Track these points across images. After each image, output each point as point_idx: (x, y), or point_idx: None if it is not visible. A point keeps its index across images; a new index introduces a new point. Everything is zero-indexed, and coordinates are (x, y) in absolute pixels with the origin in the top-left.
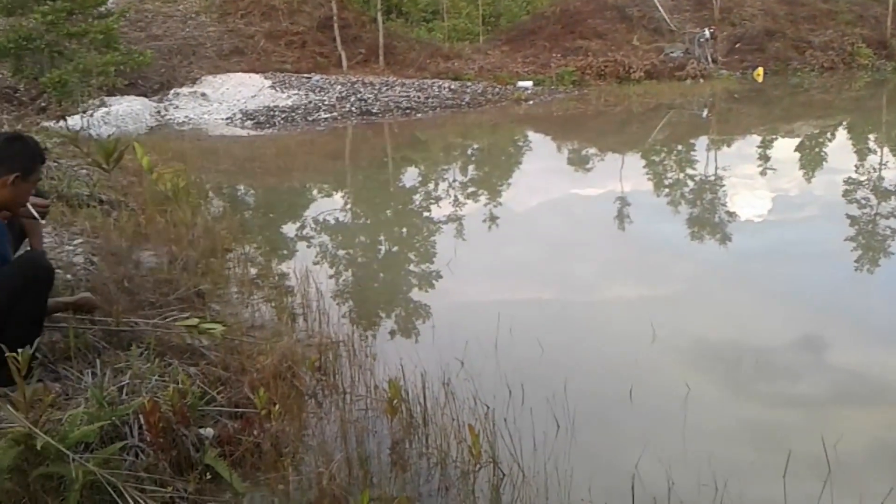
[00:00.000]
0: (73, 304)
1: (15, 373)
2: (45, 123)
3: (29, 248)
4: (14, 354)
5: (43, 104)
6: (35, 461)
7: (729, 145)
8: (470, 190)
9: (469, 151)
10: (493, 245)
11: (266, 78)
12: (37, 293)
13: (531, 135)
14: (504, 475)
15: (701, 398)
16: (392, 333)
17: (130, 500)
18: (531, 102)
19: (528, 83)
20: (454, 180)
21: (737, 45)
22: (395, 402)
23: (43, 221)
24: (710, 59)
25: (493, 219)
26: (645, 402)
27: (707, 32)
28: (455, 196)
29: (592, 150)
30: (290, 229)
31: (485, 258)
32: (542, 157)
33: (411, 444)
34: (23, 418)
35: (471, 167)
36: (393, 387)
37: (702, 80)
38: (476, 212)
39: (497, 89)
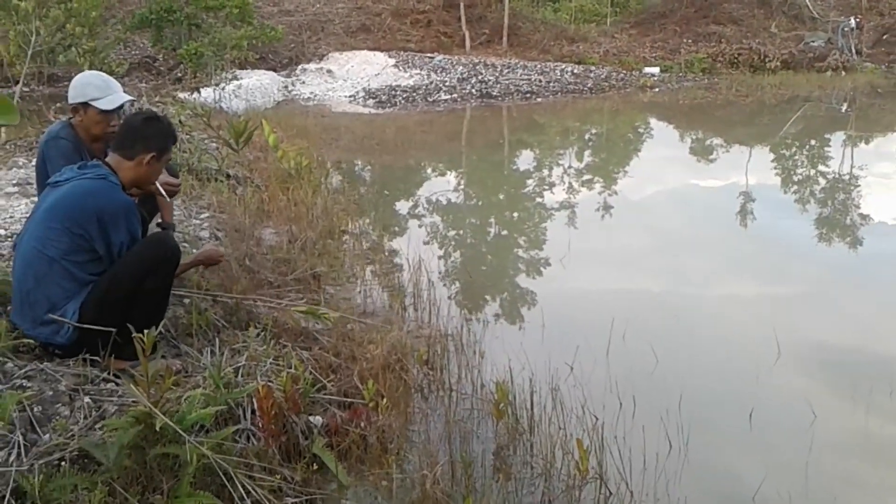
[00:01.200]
0: (200, 262)
1: (140, 353)
2: (180, 94)
3: (159, 222)
4: (140, 335)
5: (179, 75)
6: (153, 440)
7: (867, 143)
8: (585, 176)
9: (587, 137)
10: (607, 235)
11: (390, 56)
12: (164, 273)
13: (653, 122)
14: (611, 494)
15: (827, 423)
16: (500, 330)
17: (240, 487)
18: (657, 90)
19: (655, 69)
20: (569, 166)
21: (884, 37)
22: (502, 405)
23: (169, 200)
24: (853, 51)
25: (607, 207)
26: (766, 426)
27: (853, 21)
28: (569, 182)
29: (718, 141)
30: (404, 208)
31: (598, 249)
32: (663, 145)
33: (516, 451)
34: (144, 398)
35: (587, 153)
36: (500, 389)
37: (843, 73)
38: (590, 199)
39: (622, 75)
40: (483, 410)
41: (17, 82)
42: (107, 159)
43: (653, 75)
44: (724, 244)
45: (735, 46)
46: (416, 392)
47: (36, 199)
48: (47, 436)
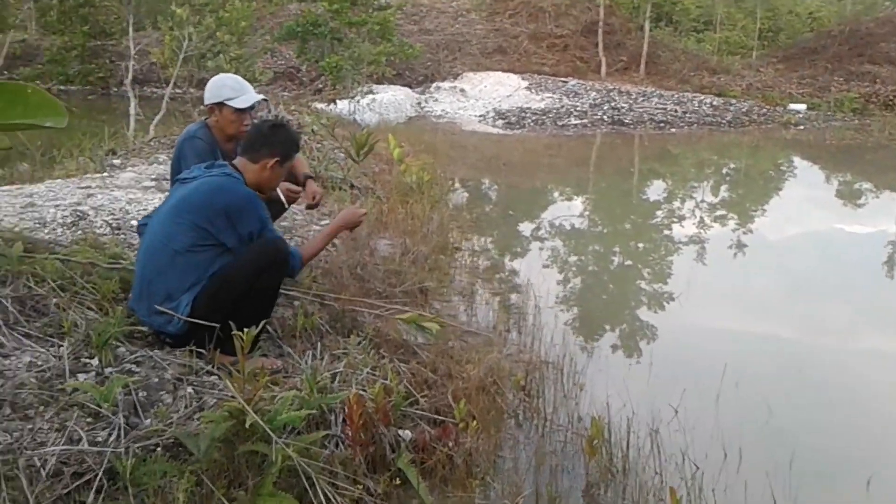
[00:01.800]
0: (341, 227)
1: (238, 350)
2: (318, 105)
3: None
4: (240, 333)
5: (319, 86)
6: (244, 436)
7: None
8: (719, 212)
9: (724, 171)
10: (736, 275)
11: (523, 79)
12: (276, 274)
13: (797, 161)
14: None
15: None
16: (604, 363)
17: (321, 493)
18: (801, 127)
19: (801, 106)
20: (702, 200)
21: None
22: (596, 442)
23: (287, 207)
24: None
25: (740, 245)
26: (886, 496)
27: None
28: (701, 216)
29: (867, 185)
30: (524, 229)
31: (724, 288)
32: (806, 185)
33: (606, 492)
34: (239, 394)
35: (724, 187)
36: (595, 426)
37: None
38: (723, 235)
39: (764, 110)
40: (576, 445)
41: (169, 83)
42: (234, 161)
43: (798, 112)
44: (866, 295)
45: (890, 88)
46: (510, 417)
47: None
48: (148, 421)
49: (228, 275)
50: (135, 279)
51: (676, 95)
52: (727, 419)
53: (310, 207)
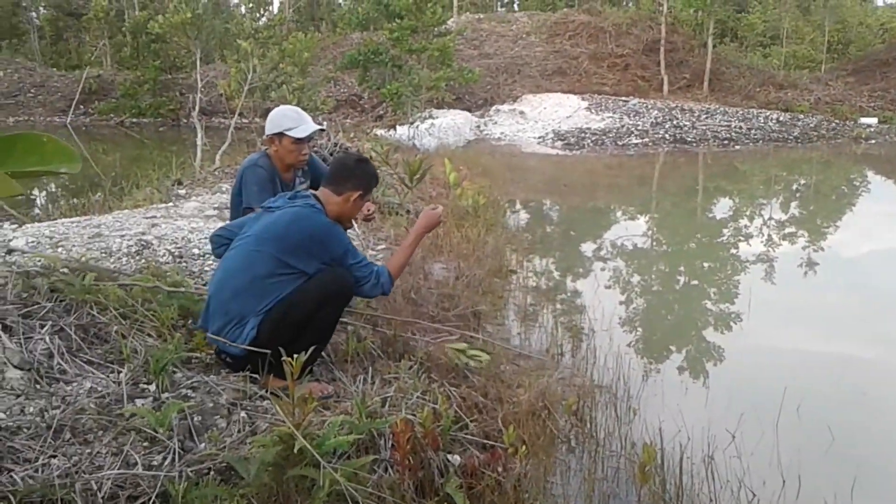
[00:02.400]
0: (423, 231)
1: (288, 376)
2: (378, 131)
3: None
4: (289, 359)
5: (381, 112)
6: (293, 460)
7: None
8: (789, 229)
9: (794, 187)
10: (805, 294)
11: (583, 99)
12: (338, 305)
13: (869, 175)
14: None
15: None
16: (659, 387)
17: None
18: (873, 142)
19: (872, 120)
20: (770, 217)
21: None
22: (648, 468)
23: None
24: None
25: (811, 263)
26: None
27: None
28: (769, 234)
29: None
30: (585, 249)
31: (790, 309)
32: (881, 200)
33: None
34: (288, 419)
35: (793, 204)
36: (647, 452)
37: None
38: (792, 253)
39: (833, 124)
40: (628, 471)
41: (234, 114)
42: (317, 192)
43: (869, 126)
44: None
45: None
46: (561, 442)
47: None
48: (202, 445)
49: (294, 301)
50: (208, 298)
51: (741, 112)
52: (786, 445)
53: (365, 220)
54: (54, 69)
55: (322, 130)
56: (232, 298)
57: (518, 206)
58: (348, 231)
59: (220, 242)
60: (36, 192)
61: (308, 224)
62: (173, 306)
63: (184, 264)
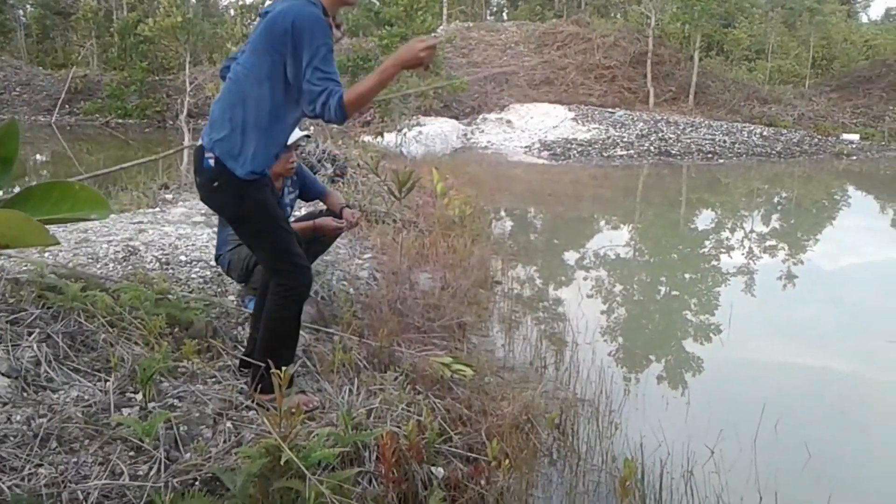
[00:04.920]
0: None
1: (276, 388)
2: (366, 138)
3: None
4: (278, 372)
5: (368, 119)
6: (279, 472)
7: None
8: (769, 242)
9: (775, 200)
10: (785, 307)
11: (570, 110)
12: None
13: (851, 191)
14: None
15: None
16: (641, 401)
17: None
18: (854, 158)
19: (854, 136)
20: (751, 230)
21: None
22: (629, 483)
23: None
24: None
25: (790, 276)
26: None
27: None
28: (750, 246)
29: None
30: (569, 258)
31: (770, 323)
32: (861, 214)
33: None
34: (275, 432)
35: (774, 217)
36: (628, 466)
37: None
38: (773, 266)
39: (815, 140)
40: (609, 486)
41: None
42: None
43: (851, 142)
44: None
45: None
46: (543, 456)
47: (216, 228)
48: (188, 455)
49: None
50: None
51: (726, 126)
52: (764, 461)
53: (350, 227)
54: (40, 67)
55: (308, 136)
56: (224, 108)
57: (503, 215)
58: (328, 241)
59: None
60: (17, 189)
61: (294, 12)
62: (161, 315)
63: (171, 271)
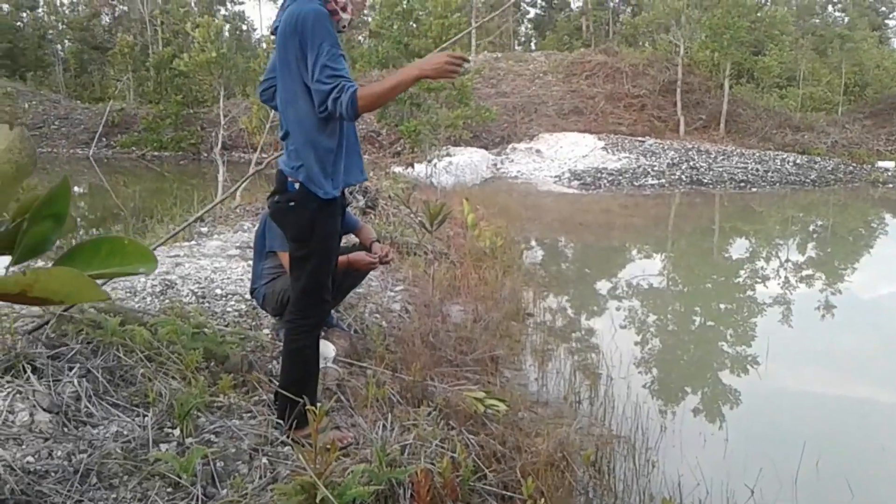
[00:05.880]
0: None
1: (311, 424)
2: (396, 168)
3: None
4: (313, 408)
5: (399, 149)
6: None
7: None
8: (806, 271)
9: (811, 228)
10: (822, 337)
11: (599, 139)
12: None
13: (888, 218)
14: None
15: None
16: (678, 437)
17: None
18: (890, 185)
19: (890, 164)
20: (787, 259)
21: None
22: None
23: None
24: None
25: (829, 306)
26: None
27: None
28: (786, 275)
29: None
30: (601, 287)
31: (807, 353)
32: None
33: None
34: (311, 469)
35: (810, 245)
36: None
37: None
38: (810, 296)
39: (850, 168)
40: None
41: (256, 150)
42: None
43: (887, 170)
44: None
45: None
46: (579, 494)
47: (252, 262)
48: (224, 491)
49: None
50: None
51: (758, 154)
52: (805, 500)
53: (382, 262)
54: (78, 101)
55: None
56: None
57: (534, 244)
58: (362, 274)
59: (268, 95)
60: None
61: (296, 12)
62: (198, 349)
63: (207, 304)
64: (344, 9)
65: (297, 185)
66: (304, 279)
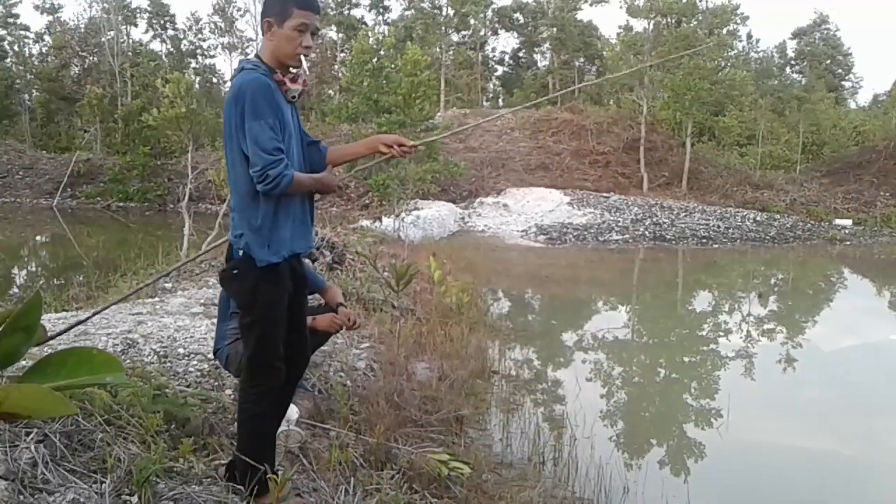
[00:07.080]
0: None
1: (272, 494)
2: (364, 221)
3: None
4: (274, 476)
5: (367, 202)
6: None
7: None
8: (768, 325)
9: (772, 281)
10: (784, 390)
11: (565, 194)
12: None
13: (846, 273)
14: None
15: None
16: (639, 499)
17: None
18: (848, 243)
19: (847, 222)
20: (748, 312)
21: None
22: None
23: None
24: None
25: (790, 360)
26: None
27: None
28: (748, 329)
29: None
30: (566, 340)
31: (770, 405)
32: (858, 296)
33: None
34: None
35: (771, 298)
36: None
37: None
38: (772, 349)
39: (809, 225)
40: None
41: (224, 203)
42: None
43: (843, 228)
44: None
45: None
46: None
47: (216, 321)
48: None
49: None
50: None
51: (719, 211)
52: None
53: (349, 329)
54: (43, 151)
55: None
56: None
57: (501, 296)
58: (327, 334)
59: None
60: (16, 270)
61: (237, 84)
62: (159, 412)
63: (168, 364)
64: (294, 80)
65: (240, 252)
66: (251, 346)
